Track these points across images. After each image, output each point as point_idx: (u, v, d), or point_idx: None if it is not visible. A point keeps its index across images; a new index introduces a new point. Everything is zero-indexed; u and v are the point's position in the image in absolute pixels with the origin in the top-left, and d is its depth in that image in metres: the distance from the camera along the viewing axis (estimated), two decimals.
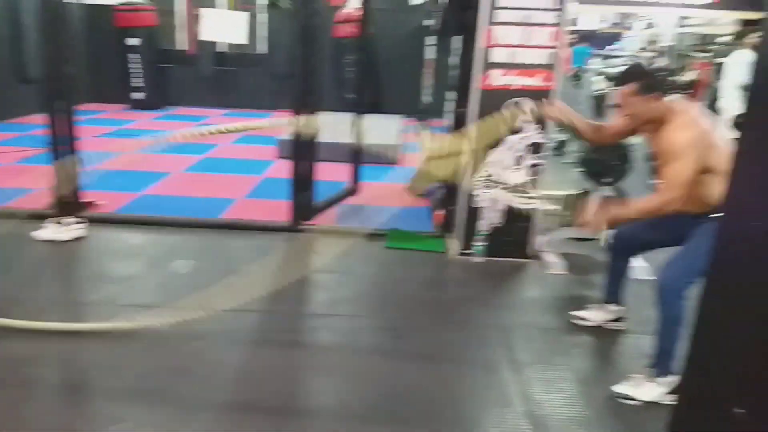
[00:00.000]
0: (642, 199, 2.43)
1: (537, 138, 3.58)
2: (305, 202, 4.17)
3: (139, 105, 9.47)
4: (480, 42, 3.47)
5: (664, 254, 2.44)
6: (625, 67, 3.72)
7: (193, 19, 9.55)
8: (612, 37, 12.62)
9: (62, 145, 3.95)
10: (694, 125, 2.31)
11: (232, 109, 9.79)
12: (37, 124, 7.33)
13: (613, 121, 2.77)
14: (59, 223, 3.75)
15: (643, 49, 10.43)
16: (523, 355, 2.67)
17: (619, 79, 2.52)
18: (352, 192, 4.80)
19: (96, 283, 3.26)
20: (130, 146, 6.04)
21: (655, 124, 2.42)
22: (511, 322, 3.00)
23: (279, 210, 4.35)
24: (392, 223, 4.22)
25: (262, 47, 9.87)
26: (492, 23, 3.44)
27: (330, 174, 4.64)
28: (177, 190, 5.09)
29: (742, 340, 1.11)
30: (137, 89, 9.47)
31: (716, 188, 2.28)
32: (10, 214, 4.14)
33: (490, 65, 3.50)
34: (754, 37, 5.44)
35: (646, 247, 2.76)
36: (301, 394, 2.43)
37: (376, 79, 9.19)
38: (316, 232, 4.15)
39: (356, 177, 4.89)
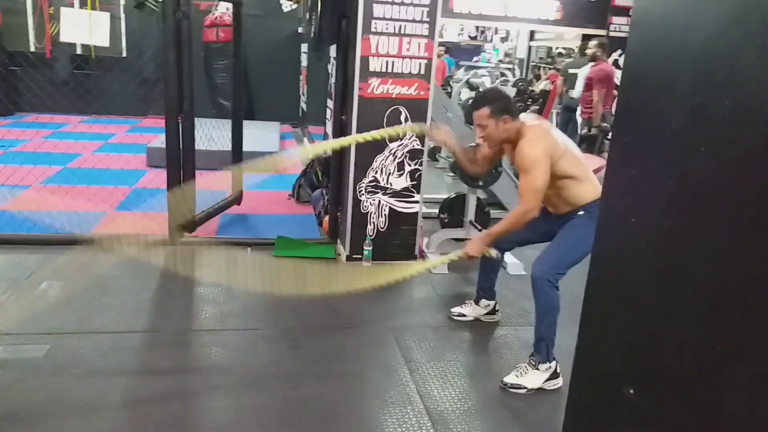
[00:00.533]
0: (505, 217, 2.65)
1: (415, 144, 3.74)
2: (185, 212, 4.00)
3: None
4: (358, 51, 3.56)
5: (536, 251, 2.67)
6: (481, 90, 4.03)
7: (48, 20, 8.77)
8: (474, 49, 13.42)
9: None
10: (542, 139, 2.54)
11: (94, 115, 9.07)
12: None
13: (480, 147, 2.99)
14: None
15: (501, 61, 11.21)
16: (418, 353, 2.78)
17: (474, 103, 2.74)
18: (235, 201, 4.68)
19: None
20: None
21: (511, 143, 2.66)
22: (403, 323, 3.11)
23: (155, 222, 4.13)
24: (279, 231, 4.18)
25: (122, 50, 9.29)
26: (369, 33, 3.54)
27: (209, 183, 4.50)
28: (37, 204, 4.64)
29: (625, 324, 1.26)
30: None
31: (575, 190, 2.57)
32: None
33: (369, 74, 3.60)
34: (592, 48, 6.12)
35: (516, 245, 2.98)
36: (196, 417, 2.32)
37: (247, 86, 9.01)
38: (199, 245, 3.99)
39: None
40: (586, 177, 2.59)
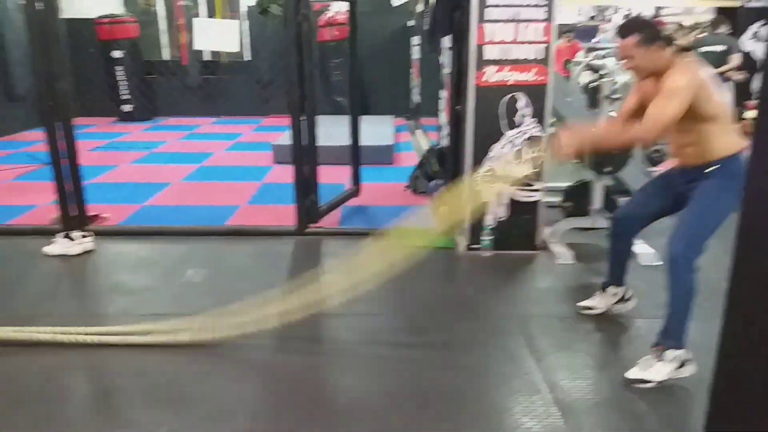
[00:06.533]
0: (616, 130, 2.44)
1: (534, 131, 3.66)
2: (310, 205, 4.21)
3: (127, 117, 9.43)
4: (473, 40, 3.54)
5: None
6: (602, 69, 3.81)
7: (180, 30, 9.54)
8: (593, 30, 12.80)
9: (62, 159, 3.93)
10: (692, 72, 2.33)
11: (221, 116, 9.78)
12: (28, 141, 7.33)
13: (622, 108, 2.79)
14: (68, 237, 3.75)
15: None
16: (543, 343, 2.74)
17: (621, 31, 2.51)
18: (354, 193, 4.84)
19: (111, 295, 3.27)
20: None
21: (657, 77, 2.42)
22: (527, 312, 3.06)
23: (283, 214, 4.38)
24: (397, 221, 4.27)
25: (246, 54, 9.89)
26: (483, 21, 3.51)
27: (329, 177, 4.69)
28: (179, 199, 5.09)
29: None
30: (125, 101, 9.43)
31: (714, 138, 2.34)
32: (17, 231, 4.14)
33: (484, 62, 3.57)
34: (727, 26, 5.58)
35: (646, 221, 2.73)
36: (327, 393, 2.47)
37: (361, 82, 9.24)
38: (324, 235, 4.19)
39: (356, 178, 4.94)
40: (728, 126, 2.38)
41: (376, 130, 7.12)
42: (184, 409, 2.28)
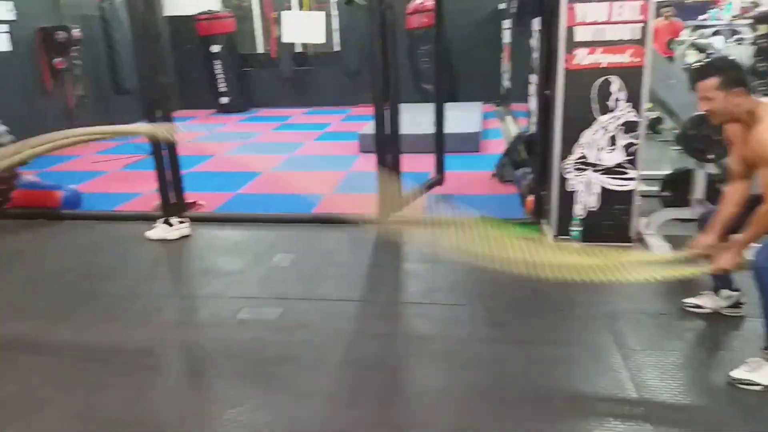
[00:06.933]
0: (752, 221, 2.28)
1: (630, 116, 3.45)
2: (393, 193, 4.22)
3: (225, 109, 9.90)
4: (563, 21, 3.38)
5: None
6: (710, 52, 3.50)
7: (271, 23, 9.87)
8: (700, 7, 11.87)
9: (163, 150, 4.19)
10: None
11: (312, 107, 10.04)
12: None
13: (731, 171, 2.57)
14: (167, 223, 4.00)
15: (737, 17, 9.74)
16: (633, 340, 2.59)
17: (700, 73, 2.38)
18: (438, 182, 4.81)
19: (205, 278, 3.45)
20: None
21: (740, 123, 2.30)
22: (617, 307, 2.91)
23: (367, 203, 4.43)
24: (481, 210, 4.19)
25: (335, 45, 10.06)
26: (574, 1, 3.34)
27: (414, 165, 4.68)
28: (269, 188, 5.29)
29: None
30: (222, 94, 9.90)
31: None
32: (124, 217, 4.48)
33: (575, 44, 3.40)
34: None
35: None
36: (405, 380, 2.48)
37: (450, 68, 9.15)
38: (406, 223, 4.19)
39: (440, 167, 4.89)
40: None
41: (463, 117, 7.01)
42: (268, 389, 2.37)
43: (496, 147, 6.19)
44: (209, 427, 2.15)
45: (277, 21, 9.47)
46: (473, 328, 2.84)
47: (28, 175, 4.86)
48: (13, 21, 6.89)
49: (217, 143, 7.15)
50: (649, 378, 2.31)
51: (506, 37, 8.57)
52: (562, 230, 3.66)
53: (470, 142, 6.39)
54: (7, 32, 6.83)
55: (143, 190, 4.95)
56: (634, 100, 3.42)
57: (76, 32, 7.42)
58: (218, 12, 9.76)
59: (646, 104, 3.50)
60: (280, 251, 3.74)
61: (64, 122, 7.55)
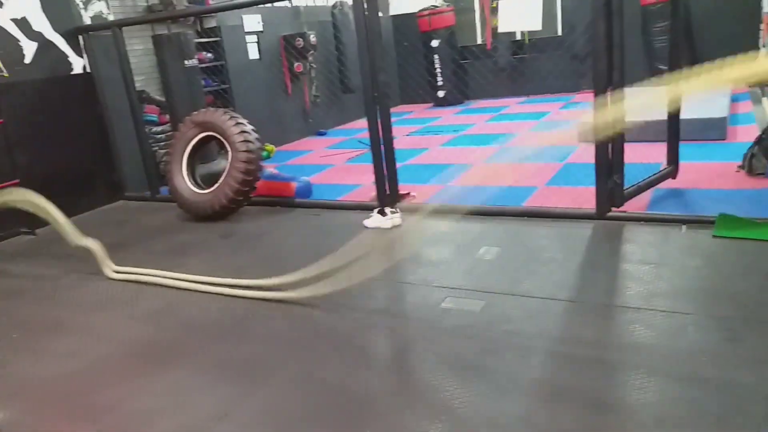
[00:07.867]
0: None
1: None
2: (613, 187, 3.87)
3: (441, 102, 10.13)
4: None
5: None
6: None
7: (487, 14, 9.80)
8: None
9: (381, 145, 4.43)
10: None
11: (528, 96, 9.75)
12: (359, 128, 8.50)
13: None
14: (381, 213, 4.24)
15: None
16: None
17: None
18: (669, 174, 4.29)
19: (413, 266, 3.57)
20: None
21: None
22: None
23: (583, 197, 4.15)
24: (722, 208, 3.64)
25: (557, 29, 9.61)
26: None
27: (643, 155, 4.24)
28: (479, 180, 5.26)
29: None
30: (439, 87, 10.14)
31: None
32: (346, 206, 4.87)
33: None
34: None
35: None
36: (617, 388, 2.25)
37: (692, 45, 8.10)
38: (627, 220, 3.83)
39: (674, 157, 4.35)
40: None
41: (707, 100, 6.13)
42: (470, 378, 2.36)
43: (748, 134, 5.31)
44: (413, 407, 2.22)
45: (493, 12, 9.38)
46: (700, 339, 2.47)
47: (269, 168, 5.55)
48: (260, 32, 7.88)
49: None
50: None
51: (766, 6, 7.28)
52: None
53: (715, 129, 5.58)
54: (255, 42, 7.84)
55: (363, 182, 5.29)
56: None
57: (312, 38, 8.23)
58: (439, 6, 10.00)
59: None
60: (485, 244, 3.70)
61: (300, 122, 8.50)
